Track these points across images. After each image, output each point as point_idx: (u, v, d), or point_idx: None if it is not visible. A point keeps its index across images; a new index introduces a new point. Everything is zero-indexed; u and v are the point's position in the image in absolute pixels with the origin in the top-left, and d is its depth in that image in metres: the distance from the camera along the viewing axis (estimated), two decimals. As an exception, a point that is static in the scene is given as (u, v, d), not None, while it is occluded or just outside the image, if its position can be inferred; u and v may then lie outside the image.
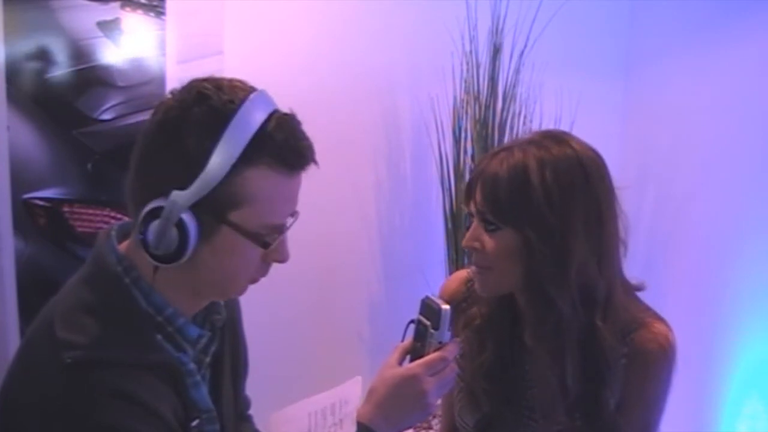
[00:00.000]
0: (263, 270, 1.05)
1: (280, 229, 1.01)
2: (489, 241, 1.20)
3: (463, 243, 1.25)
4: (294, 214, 1.04)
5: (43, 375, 0.94)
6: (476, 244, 1.22)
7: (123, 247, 1.04)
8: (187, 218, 0.94)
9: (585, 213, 1.18)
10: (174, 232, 0.94)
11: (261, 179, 0.96)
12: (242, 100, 0.95)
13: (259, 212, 0.98)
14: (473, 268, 1.27)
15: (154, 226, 0.94)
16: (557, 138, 1.22)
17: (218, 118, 0.94)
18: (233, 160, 0.94)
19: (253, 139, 0.95)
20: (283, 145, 0.97)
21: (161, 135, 0.97)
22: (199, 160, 0.93)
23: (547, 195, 1.16)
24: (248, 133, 0.94)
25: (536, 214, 1.16)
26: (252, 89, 0.99)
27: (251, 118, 0.95)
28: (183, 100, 0.96)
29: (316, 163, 1.01)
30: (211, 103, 0.95)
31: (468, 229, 1.25)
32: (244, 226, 0.97)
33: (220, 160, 0.93)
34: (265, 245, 0.99)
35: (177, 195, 0.93)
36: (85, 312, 0.97)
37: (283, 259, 1.04)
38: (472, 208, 1.23)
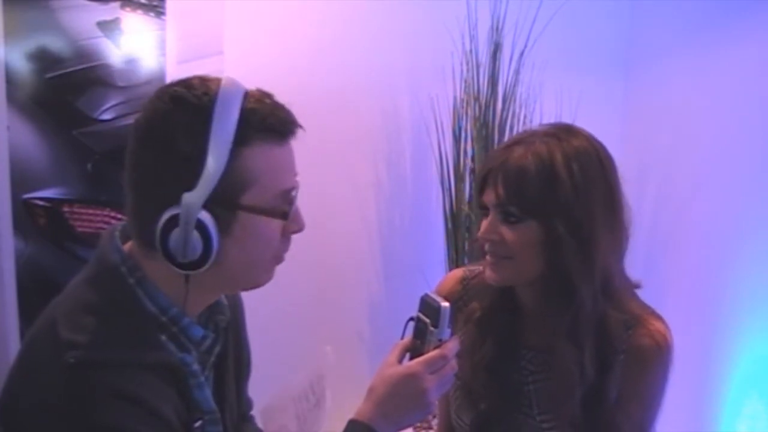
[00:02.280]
0: (285, 245, 1.05)
1: (290, 197, 1.03)
2: (509, 234, 1.19)
3: (480, 235, 1.22)
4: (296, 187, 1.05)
5: (45, 375, 0.94)
6: (495, 236, 1.20)
7: (127, 247, 1.04)
8: (205, 218, 0.94)
9: (604, 204, 1.20)
10: (196, 236, 0.94)
11: (258, 155, 0.97)
12: (216, 90, 0.96)
13: (267, 186, 0.99)
14: (488, 258, 1.23)
15: (175, 234, 0.94)
16: (570, 130, 1.23)
17: (201, 113, 0.95)
18: (229, 147, 0.95)
19: (239, 121, 0.96)
20: (269, 116, 0.98)
21: (150, 147, 0.97)
22: (198, 157, 0.94)
23: (575, 187, 1.17)
24: (234, 117, 0.95)
25: (564, 207, 1.16)
26: (219, 78, 1.00)
27: (231, 103, 0.96)
28: (158, 109, 0.97)
29: (300, 126, 1.02)
30: (188, 101, 0.96)
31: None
32: (259, 204, 0.98)
33: (217, 150, 0.94)
34: (285, 215, 1.01)
35: (188, 197, 0.94)
36: (89, 312, 0.97)
37: (300, 227, 1.04)
38: (490, 200, 1.21)
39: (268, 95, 1.01)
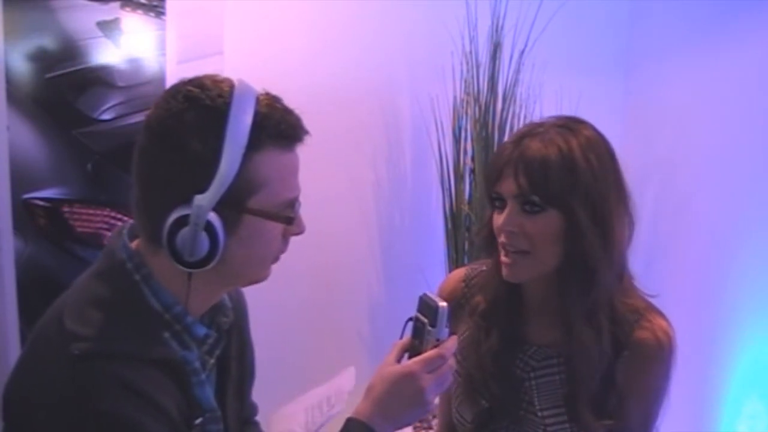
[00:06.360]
0: (284, 246, 1.07)
1: (295, 203, 1.05)
2: (529, 224, 1.21)
3: (501, 227, 1.22)
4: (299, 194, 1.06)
5: (50, 365, 0.96)
6: (515, 228, 1.22)
7: (134, 245, 1.05)
8: (213, 219, 0.96)
9: (616, 191, 1.24)
10: (204, 237, 0.96)
11: (269, 161, 0.99)
12: (230, 93, 0.97)
13: (275, 191, 1.00)
14: (504, 256, 1.25)
15: (183, 234, 0.96)
16: (578, 121, 1.26)
17: (215, 116, 0.96)
18: (242, 151, 0.96)
19: (253, 126, 0.97)
20: (281, 122, 1.00)
21: (163, 146, 0.98)
22: (211, 160, 0.95)
23: (594, 175, 1.20)
24: (247, 123, 0.97)
25: (584, 195, 1.20)
26: (230, 80, 1.01)
27: (245, 107, 0.97)
28: (171, 108, 0.97)
29: (307, 132, 1.04)
30: (202, 103, 0.97)
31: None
32: (265, 209, 1.00)
33: (230, 155, 0.95)
34: (290, 221, 1.03)
35: (200, 199, 0.95)
36: (95, 306, 0.99)
37: (301, 230, 1.07)
38: (509, 190, 1.22)
39: (278, 99, 1.02)
